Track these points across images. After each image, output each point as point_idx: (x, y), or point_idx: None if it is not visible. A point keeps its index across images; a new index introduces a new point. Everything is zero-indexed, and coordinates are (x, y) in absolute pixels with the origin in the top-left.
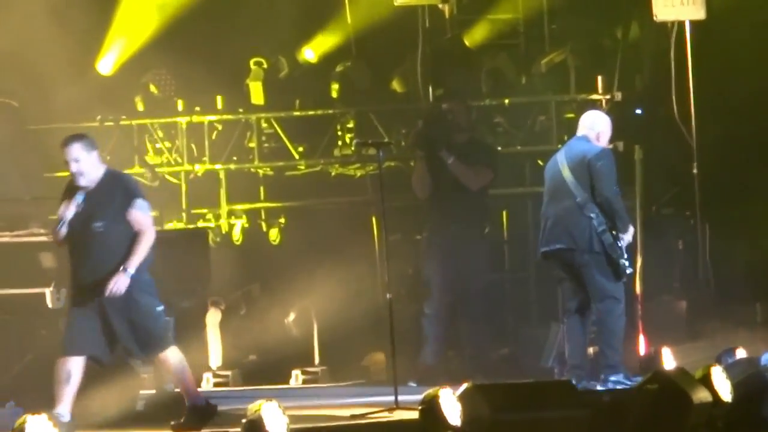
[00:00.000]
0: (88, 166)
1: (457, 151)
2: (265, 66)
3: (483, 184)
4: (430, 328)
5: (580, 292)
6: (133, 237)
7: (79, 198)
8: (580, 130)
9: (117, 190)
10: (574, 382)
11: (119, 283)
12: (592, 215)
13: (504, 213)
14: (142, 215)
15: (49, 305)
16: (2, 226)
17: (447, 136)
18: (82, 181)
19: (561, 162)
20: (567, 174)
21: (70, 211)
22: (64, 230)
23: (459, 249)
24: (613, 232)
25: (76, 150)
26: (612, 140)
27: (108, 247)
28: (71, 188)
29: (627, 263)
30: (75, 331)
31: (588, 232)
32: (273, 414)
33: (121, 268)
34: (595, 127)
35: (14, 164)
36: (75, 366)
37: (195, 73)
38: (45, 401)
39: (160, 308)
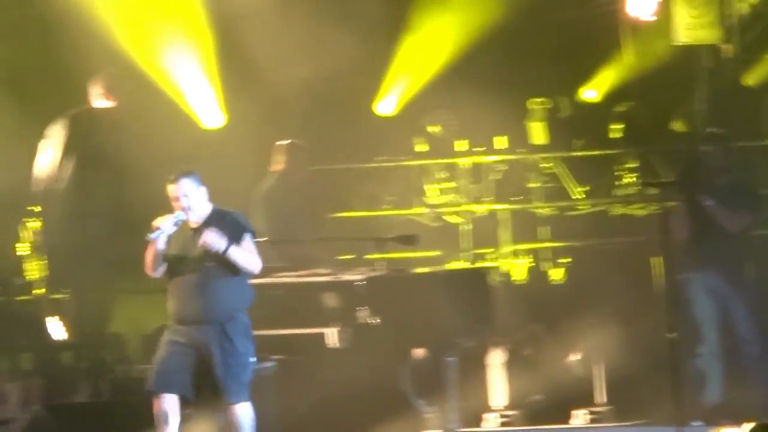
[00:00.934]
0: (196, 201)
1: (716, 193)
2: (546, 106)
3: (739, 227)
4: (708, 367)
5: None
6: (241, 274)
7: (180, 215)
8: None
9: (226, 226)
10: None
11: (213, 235)
12: None
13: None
14: (251, 247)
15: (331, 345)
16: (287, 266)
17: (707, 177)
18: (192, 217)
19: None
20: None
21: (167, 222)
22: (161, 241)
23: (724, 288)
24: None
25: (186, 185)
26: None
27: (216, 284)
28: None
29: None
30: (167, 368)
31: None
32: None
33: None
34: None
35: (302, 205)
36: (170, 405)
37: (475, 113)
38: None
39: (253, 359)
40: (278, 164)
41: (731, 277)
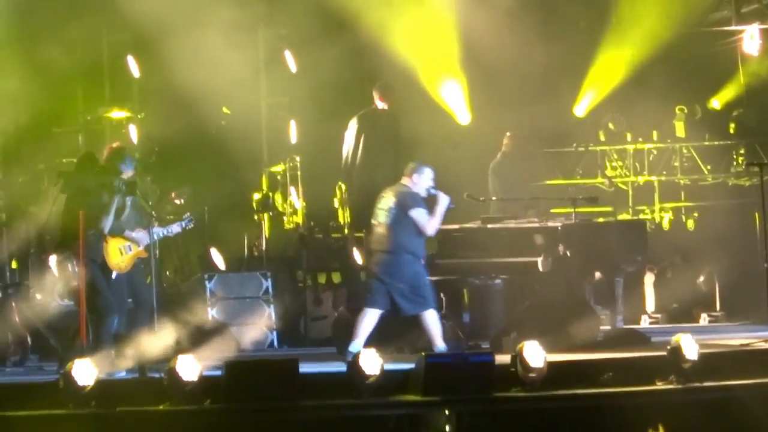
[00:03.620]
0: None
1: None
2: (685, 111)
3: None
4: None
5: None
6: None
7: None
8: None
9: None
10: None
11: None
12: None
13: None
14: None
15: (540, 269)
16: (512, 216)
17: None
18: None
19: None
20: None
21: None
22: None
23: None
24: None
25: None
26: None
27: None
28: None
29: None
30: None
31: None
32: (688, 342)
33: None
34: None
35: (518, 175)
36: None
37: (638, 115)
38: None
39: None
40: (505, 147)
41: None
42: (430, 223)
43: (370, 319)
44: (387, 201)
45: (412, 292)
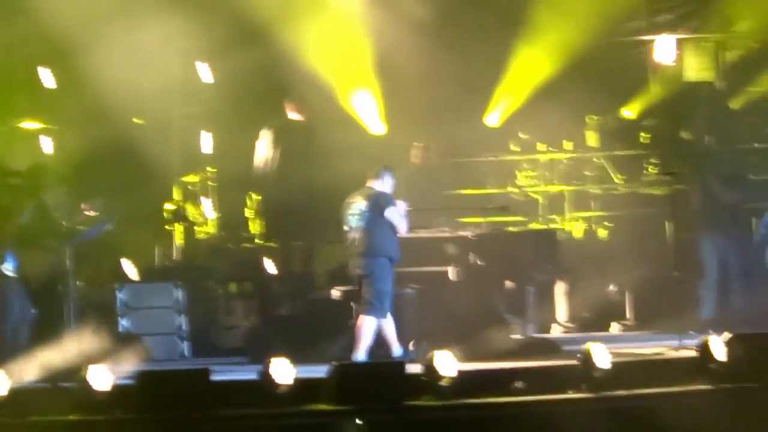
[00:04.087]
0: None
1: (719, 177)
2: (597, 120)
3: (733, 200)
4: (706, 295)
5: None
6: None
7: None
8: None
9: None
10: None
11: None
12: None
13: (753, 220)
14: None
15: (451, 278)
16: (423, 226)
17: (714, 167)
18: None
19: None
20: None
21: None
22: None
23: (723, 242)
24: None
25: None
26: None
27: None
28: None
29: None
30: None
31: None
32: (599, 351)
33: None
34: None
35: (430, 185)
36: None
37: (550, 125)
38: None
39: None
40: (413, 158)
41: (728, 235)
42: (402, 222)
43: (371, 326)
44: (358, 205)
45: (370, 295)
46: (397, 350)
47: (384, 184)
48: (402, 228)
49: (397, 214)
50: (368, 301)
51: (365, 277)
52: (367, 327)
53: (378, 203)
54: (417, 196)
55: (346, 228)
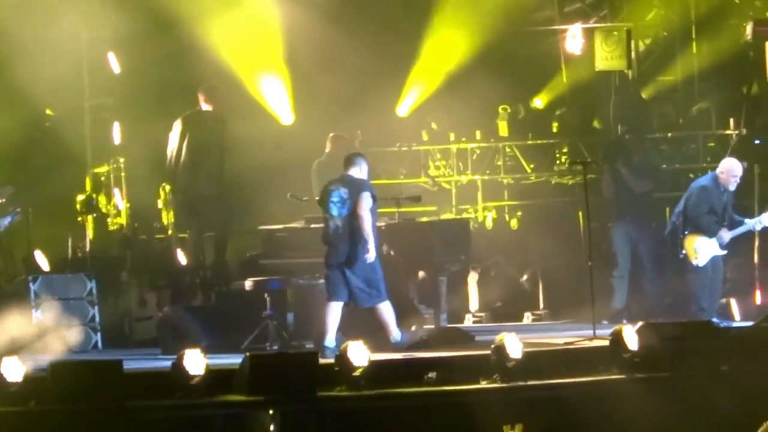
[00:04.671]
0: None
1: (631, 166)
2: (508, 110)
3: (645, 189)
4: (618, 285)
5: None
6: None
7: None
8: None
9: None
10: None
11: None
12: None
13: (667, 209)
14: None
15: None
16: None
17: (625, 156)
18: None
19: None
20: None
21: None
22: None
23: (635, 232)
24: None
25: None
26: (740, 161)
27: None
28: None
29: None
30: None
31: None
32: (512, 341)
33: None
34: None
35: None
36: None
37: (461, 114)
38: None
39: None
40: (328, 148)
41: (639, 224)
42: (366, 219)
43: (334, 311)
44: (339, 193)
45: (367, 284)
46: (396, 335)
47: (362, 171)
48: (363, 220)
49: (366, 201)
50: (365, 291)
51: (349, 265)
52: (385, 311)
53: (358, 191)
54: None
55: (326, 216)
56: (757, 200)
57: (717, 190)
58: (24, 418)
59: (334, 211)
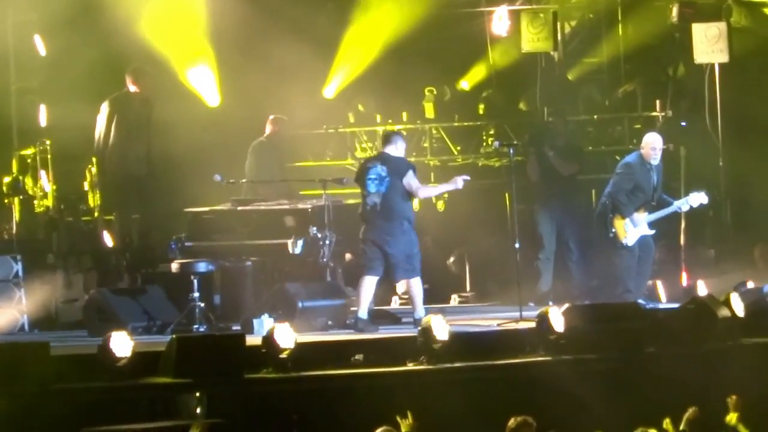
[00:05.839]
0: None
1: (556, 149)
2: (434, 92)
3: (571, 172)
4: (544, 267)
5: None
6: None
7: None
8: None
9: None
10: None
11: None
12: None
13: (593, 191)
14: None
15: (290, 251)
16: (262, 199)
17: (551, 139)
18: None
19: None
20: None
21: None
22: None
23: (560, 214)
24: None
25: None
26: (665, 143)
27: None
28: None
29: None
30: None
31: None
32: (439, 323)
33: None
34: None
35: (276, 158)
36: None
37: (388, 97)
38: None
39: None
40: (269, 130)
41: (565, 207)
42: (424, 189)
43: (369, 285)
44: (376, 170)
45: (405, 260)
46: (420, 312)
47: (398, 149)
48: (421, 192)
49: (414, 180)
50: (402, 266)
51: (388, 240)
52: (417, 287)
53: (397, 168)
54: (263, 168)
55: (364, 192)
56: (683, 182)
57: (643, 167)
58: None
59: (372, 188)
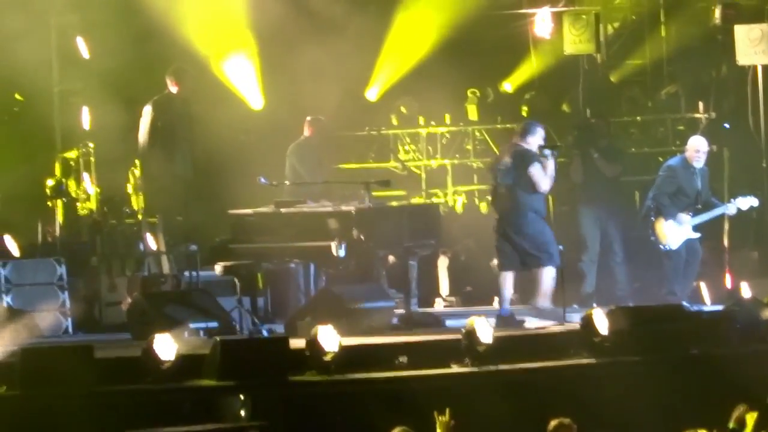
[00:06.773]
0: None
1: (600, 151)
2: (477, 94)
3: (615, 173)
4: (587, 269)
5: None
6: None
7: None
8: None
9: None
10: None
11: None
12: None
13: (636, 193)
14: None
15: (334, 253)
16: (306, 200)
17: (594, 140)
18: None
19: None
20: None
21: None
22: None
23: (604, 216)
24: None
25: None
26: (709, 144)
27: None
28: None
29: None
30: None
31: None
32: (482, 325)
33: None
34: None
35: (316, 159)
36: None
37: (431, 98)
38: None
39: None
40: (307, 131)
41: (609, 208)
42: (544, 180)
43: (508, 281)
44: (505, 162)
45: (537, 249)
46: (544, 302)
47: (528, 143)
48: (542, 185)
49: (539, 171)
50: (535, 255)
51: (517, 232)
52: (546, 276)
53: (521, 161)
54: (304, 170)
55: (495, 184)
56: (726, 184)
57: (686, 170)
58: None
59: (501, 179)
